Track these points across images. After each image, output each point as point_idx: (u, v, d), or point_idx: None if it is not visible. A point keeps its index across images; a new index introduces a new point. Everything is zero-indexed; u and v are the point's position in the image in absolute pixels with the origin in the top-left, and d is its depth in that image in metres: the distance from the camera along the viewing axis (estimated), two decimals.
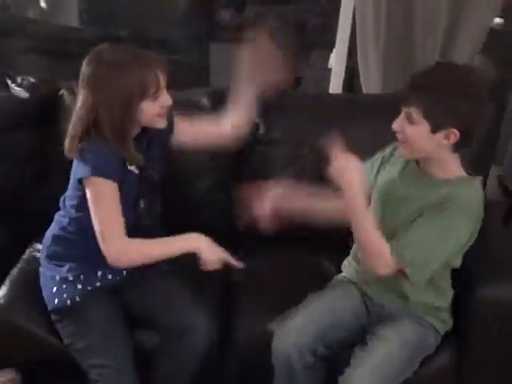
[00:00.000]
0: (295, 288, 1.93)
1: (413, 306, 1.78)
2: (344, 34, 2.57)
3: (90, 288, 1.78)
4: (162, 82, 1.69)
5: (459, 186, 1.68)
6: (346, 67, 2.66)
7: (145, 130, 1.78)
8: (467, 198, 1.66)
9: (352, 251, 1.96)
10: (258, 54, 1.89)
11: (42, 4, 3.98)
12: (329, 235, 1.92)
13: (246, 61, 1.88)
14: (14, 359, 1.89)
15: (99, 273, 1.80)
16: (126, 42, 3.62)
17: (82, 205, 1.73)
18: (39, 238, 2.06)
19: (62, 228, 1.81)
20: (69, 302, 1.76)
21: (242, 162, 2.29)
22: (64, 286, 1.78)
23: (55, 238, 1.83)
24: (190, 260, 1.91)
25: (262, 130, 2.30)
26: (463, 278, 1.79)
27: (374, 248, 1.65)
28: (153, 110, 1.70)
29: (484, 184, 2.11)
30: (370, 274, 1.74)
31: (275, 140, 2.30)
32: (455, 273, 1.79)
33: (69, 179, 1.79)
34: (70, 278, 1.78)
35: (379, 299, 1.83)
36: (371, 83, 2.52)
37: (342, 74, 2.66)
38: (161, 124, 1.75)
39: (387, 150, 1.89)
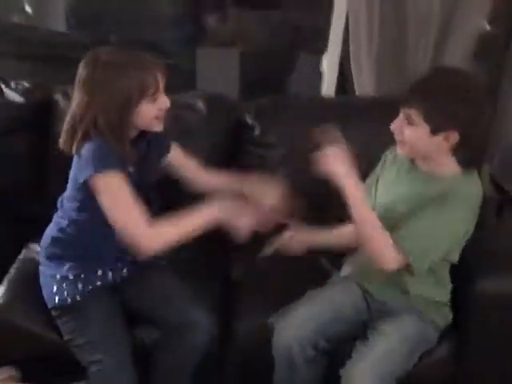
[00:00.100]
0: (295, 285, 1.94)
1: (413, 300, 1.80)
2: (336, 37, 2.58)
3: (90, 287, 1.78)
4: (161, 84, 1.69)
5: (459, 180, 1.71)
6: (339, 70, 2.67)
7: (143, 134, 1.77)
8: (467, 191, 1.70)
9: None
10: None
11: (28, 9, 3.95)
12: None
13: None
14: (13, 357, 1.88)
15: (99, 272, 1.80)
16: (113, 44, 3.60)
17: (83, 207, 1.72)
18: (36, 238, 2.05)
19: (61, 230, 1.79)
20: (69, 300, 1.76)
21: (237, 164, 2.29)
22: (64, 285, 1.77)
23: (54, 239, 1.82)
24: (189, 256, 1.95)
25: (257, 132, 2.32)
26: (461, 272, 1.82)
27: (380, 243, 1.67)
28: (151, 112, 1.69)
29: None
30: (370, 270, 1.77)
31: (270, 143, 2.31)
32: (453, 267, 1.81)
33: (66, 182, 1.78)
34: (71, 277, 1.77)
35: (380, 295, 1.85)
36: (364, 85, 2.53)
37: (335, 77, 2.67)
38: (158, 127, 1.74)
39: (381, 160, 1.94)
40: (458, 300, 1.84)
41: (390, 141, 1.86)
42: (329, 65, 2.67)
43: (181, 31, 4.04)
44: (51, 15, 3.91)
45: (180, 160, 1.94)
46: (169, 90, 1.73)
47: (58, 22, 3.87)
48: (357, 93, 2.57)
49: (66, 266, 1.78)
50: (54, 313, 1.79)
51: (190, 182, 1.95)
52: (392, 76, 2.49)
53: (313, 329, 1.76)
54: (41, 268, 1.86)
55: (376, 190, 1.89)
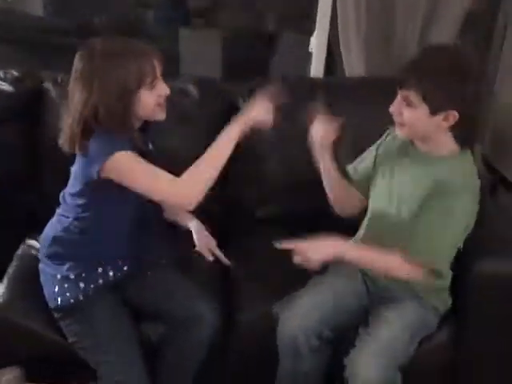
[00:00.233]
0: (295, 272, 1.94)
1: (414, 286, 1.81)
2: (324, 18, 2.57)
3: (92, 286, 1.76)
4: (158, 71, 1.69)
5: (453, 165, 1.72)
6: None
7: (145, 130, 1.77)
8: (463, 177, 1.71)
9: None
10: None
11: None
12: (327, 217, 1.95)
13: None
14: (17, 357, 1.87)
15: (100, 270, 1.78)
16: (97, 27, 3.56)
17: (89, 204, 1.71)
18: (33, 234, 2.05)
19: (64, 229, 1.77)
20: (72, 301, 1.75)
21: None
22: (66, 285, 1.75)
23: (56, 238, 1.79)
24: (188, 251, 1.96)
25: None
26: (458, 254, 1.82)
27: (392, 268, 1.73)
28: (151, 100, 1.68)
29: None
30: None
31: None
32: None
33: (61, 173, 1.76)
34: (72, 277, 1.75)
35: (380, 280, 1.86)
36: (353, 66, 2.53)
37: (323, 58, 2.67)
38: (160, 115, 1.74)
39: (380, 140, 1.95)
40: (457, 283, 1.85)
41: (380, 120, 1.88)
42: (317, 45, 2.67)
43: (163, 11, 4.01)
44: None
45: None
46: None
47: (37, 7, 3.81)
48: (346, 73, 2.58)
49: (66, 266, 1.76)
50: (56, 314, 1.77)
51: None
52: (381, 55, 2.50)
53: (317, 318, 1.77)
54: (41, 266, 1.84)
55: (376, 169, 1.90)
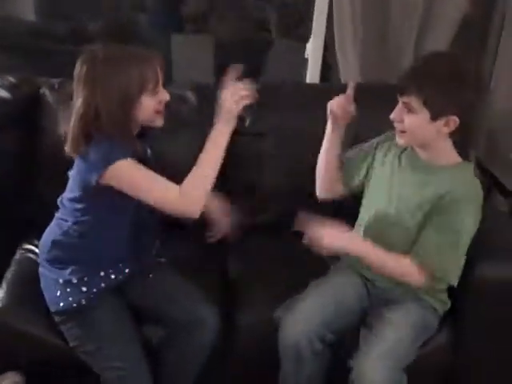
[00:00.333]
0: (295, 275, 1.96)
1: (413, 287, 1.81)
2: (320, 24, 2.59)
3: (95, 290, 1.76)
4: (160, 77, 1.70)
5: (455, 177, 1.74)
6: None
7: (143, 136, 1.76)
8: (466, 188, 1.73)
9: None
10: None
11: None
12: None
13: None
14: (17, 362, 1.86)
15: (102, 273, 1.78)
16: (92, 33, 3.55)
17: (88, 208, 1.71)
18: (30, 238, 2.06)
19: (64, 233, 1.77)
20: (75, 305, 1.74)
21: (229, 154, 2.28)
22: (68, 290, 1.75)
23: (55, 242, 1.79)
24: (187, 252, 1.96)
25: (247, 122, 2.31)
26: None
27: (401, 272, 1.75)
28: (151, 106, 1.69)
29: None
30: None
31: (261, 133, 2.31)
32: None
33: (59, 178, 1.76)
34: (74, 281, 1.75)
35: (380, 282, 1.87)
36: (350, 72, 2.55)
37: (320, 64, 2.68)
38: (159, 122, 1.74)
39: (380, 139, 1.94)
40: (456, 287, 1.86)
41: (376, 126, 1.89)
42: (313, 51, 2.68)
43: (156, 17, 4.00)
44: (22, 4, 3.83)
45: None
46: None
47: (30, 11, 3.79)
48: (342, 79, 2.59)
49: (69, 270, 1.75)
50: (57, 318, 1.77)
51: None
52: (377, 60, 2.52)
53: (319, 322, 1.78)
54: (41, 270, 1.83)
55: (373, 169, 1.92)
